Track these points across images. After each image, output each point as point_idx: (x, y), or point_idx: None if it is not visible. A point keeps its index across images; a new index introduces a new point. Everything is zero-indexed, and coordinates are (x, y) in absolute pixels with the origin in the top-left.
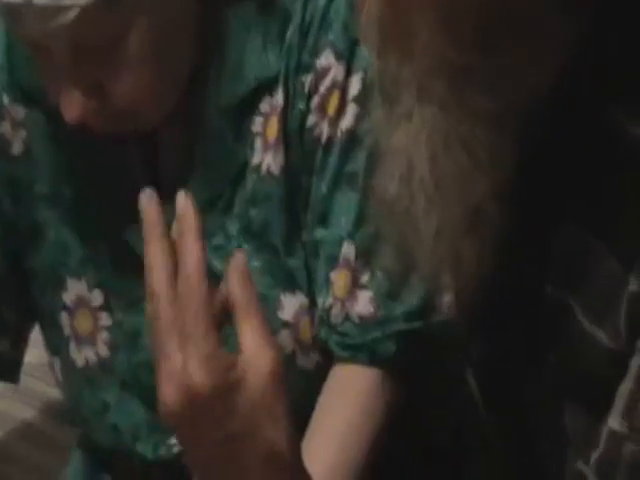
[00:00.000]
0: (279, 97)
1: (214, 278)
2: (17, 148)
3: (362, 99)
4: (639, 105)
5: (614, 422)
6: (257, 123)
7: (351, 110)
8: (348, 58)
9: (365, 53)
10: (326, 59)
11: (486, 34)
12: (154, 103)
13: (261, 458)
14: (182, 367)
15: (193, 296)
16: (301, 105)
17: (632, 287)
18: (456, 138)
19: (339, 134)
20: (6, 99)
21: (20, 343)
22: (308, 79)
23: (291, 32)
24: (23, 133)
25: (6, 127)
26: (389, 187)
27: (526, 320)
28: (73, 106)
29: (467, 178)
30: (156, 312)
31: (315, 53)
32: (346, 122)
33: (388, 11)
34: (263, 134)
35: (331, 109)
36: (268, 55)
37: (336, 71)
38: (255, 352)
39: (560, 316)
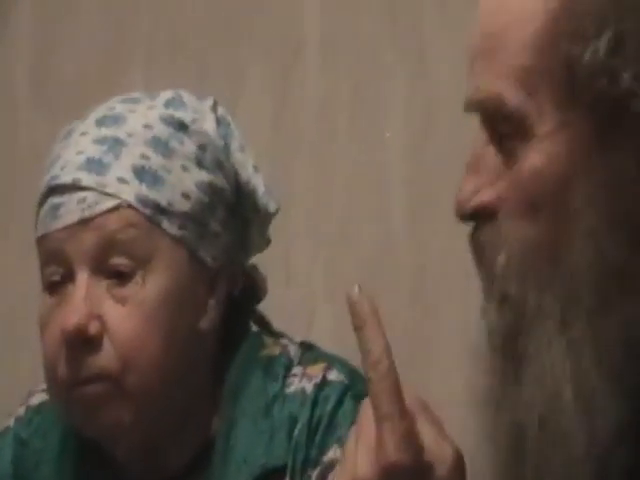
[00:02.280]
0: None
1: None
2: None
3: None
4: None
5: None
6: None
7: None
8: None
9: None
10: (334, 453)
11: None
12: (149, 366)
13: None
14: (380, 445)
15: (386, 380)
16: None
17: None
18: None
19: None
20: None
21: None
22: (315, 473)
23: (299, 430)
24: None
25: None
26: None
27: None
28: (71, 321)
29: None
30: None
31: (323, 449)
32: None
33: None
34: None
35: None
36: (275, 448)
37: None
38: (438, 445)
39: None
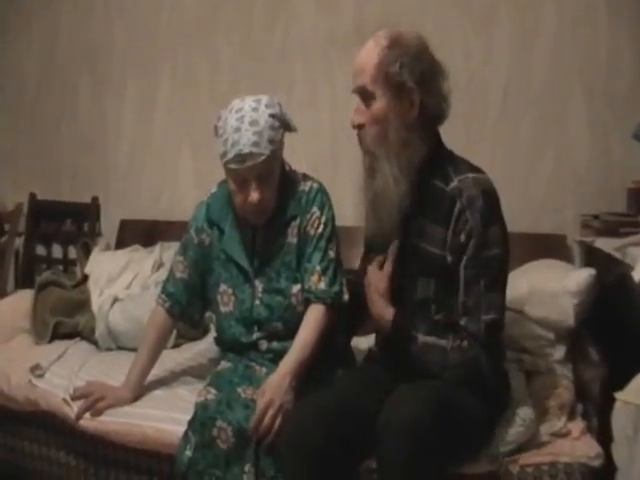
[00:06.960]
0: (298, 221)
1: (278, 292)
2: (207, 243)
3: (326, 223)
4: (445, 175)
5: None
6: (291, 228)
7: (321, 226)
8: (321, 210)
9: (327, 208)
10: (314, 209)
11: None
12: (270, 205)
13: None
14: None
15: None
16: (305, 223)
17: (449, 234)
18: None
19: (317, 234)
20: (205, 225)
21: (198, 324)
22: (307, 216)
23: (303, 202)
24: (210, 237)
25: (204, 236)
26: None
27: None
28: (255, 198)
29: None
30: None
31: (310, 208)
32: (319, 230)
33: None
34: (292, 233)
35: (315, 224)
36: (295, 207)
37: (318, 214)
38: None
39: (417, 252)
